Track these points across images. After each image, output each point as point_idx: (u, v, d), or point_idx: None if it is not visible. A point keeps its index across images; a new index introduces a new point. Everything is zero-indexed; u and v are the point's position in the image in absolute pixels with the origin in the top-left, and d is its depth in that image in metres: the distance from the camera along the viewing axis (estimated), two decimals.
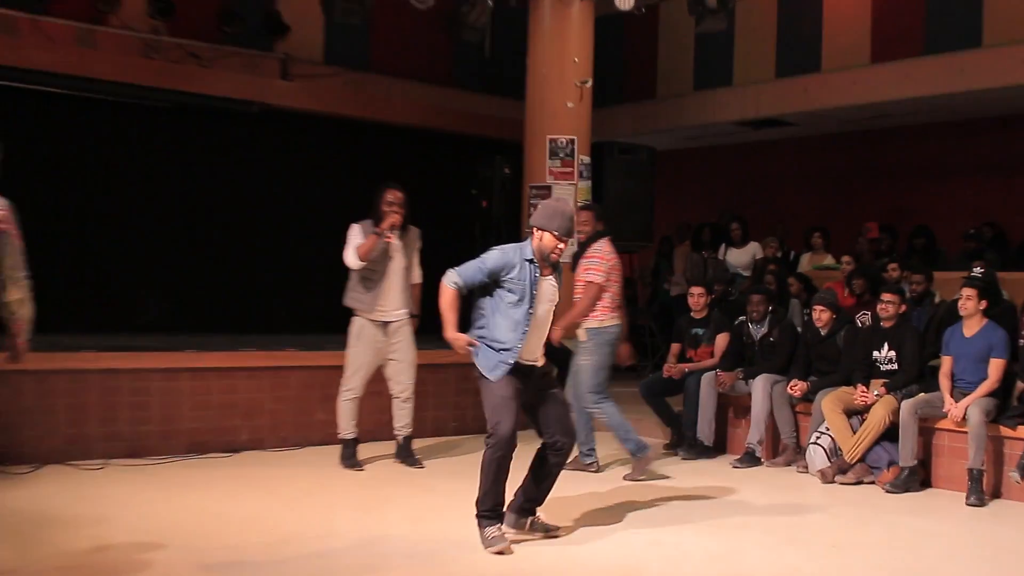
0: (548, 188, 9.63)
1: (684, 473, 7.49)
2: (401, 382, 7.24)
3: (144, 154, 10.47)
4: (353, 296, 7.05)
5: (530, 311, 5.17)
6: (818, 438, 7.40)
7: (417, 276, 7.27)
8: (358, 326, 7.06)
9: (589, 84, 9.70)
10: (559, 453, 5.35)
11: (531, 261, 5.21)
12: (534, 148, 9.78)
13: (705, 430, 8.13)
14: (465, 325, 5.27)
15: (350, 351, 7.11)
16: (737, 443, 8.26)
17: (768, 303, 8.27)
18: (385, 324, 7.09)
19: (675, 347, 8.71)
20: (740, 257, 10.85)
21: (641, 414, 9.02)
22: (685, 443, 8.18)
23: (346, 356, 7.13)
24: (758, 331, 8.25)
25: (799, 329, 8.42)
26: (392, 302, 7.07)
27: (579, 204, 7.42)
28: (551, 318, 5.36)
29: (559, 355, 8.50)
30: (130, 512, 5.72)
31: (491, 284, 5.19)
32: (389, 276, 7.02)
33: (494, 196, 10.40)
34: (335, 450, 7.41)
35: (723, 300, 9.68)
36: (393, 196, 7.02)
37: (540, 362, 5.35)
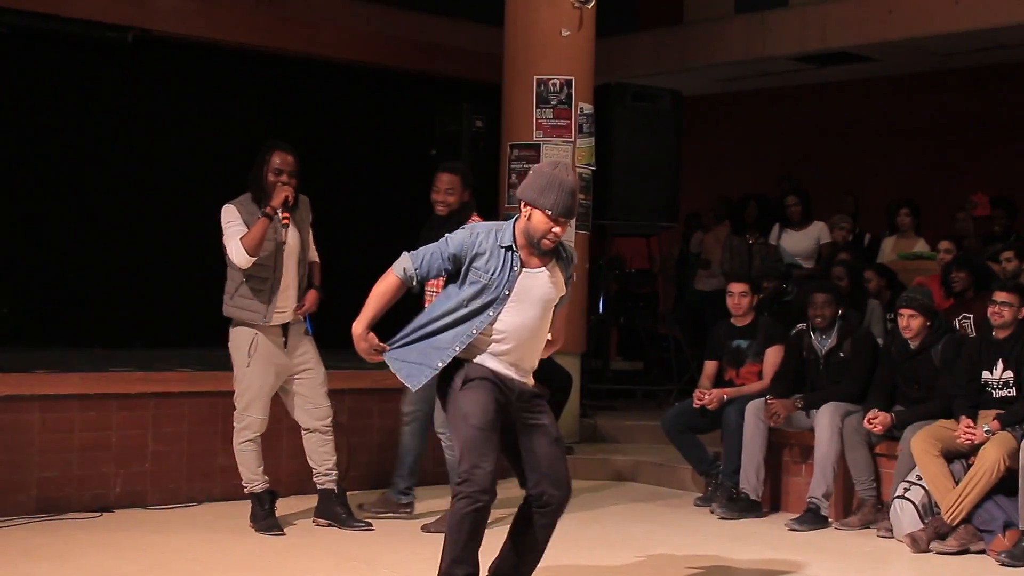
0: (536, 148, 9.72)
1: (721, 537, 7.51)
2: (319, 405, 7.32)
3: None
4: (240, 303, 7.08)
5: (491, 314, 5.23)
6: (907, 490, 7.43)
7: (314, 254, 7.42)
8: (246, 336, 7.09)
9: (592, 3, 9.76)
10: (546, 511, 5.36)
11: (509, 248, 5.26)
12: (516, 92, 9.87)
13: (751, 478, 8.19)
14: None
15: (240, 372, 7.16)
16: (795, 497, 8.34)
17: (837, 305, 8.34)
18: (285, 328, 7.16)
19: (710, 366, 8.81)
20: (799, 242, 10.93)
21: (664, 456, 9.30)
22: (723, 496, 8.26)
23: (236, 380, 7.19)
24: (824, 343, 8.31)
25: (880, 341, 8.49)
26: (291, 298, 7.16)
27: (444, 165, 7.58)
28: (546, 325, 5.40)
29: (556, 377, 8.67)
30: None
31: (454, 275, 5.30)
32: (283, 268, 7.08)
33: (461, 158, 10.22)
34: (245, 507, 7.41)
35: (775, 301, 9.73)
36: (282, 160, 7.05)
37: (528, 382, 5.39)
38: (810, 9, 12.35)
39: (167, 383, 8.06)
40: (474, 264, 5.23)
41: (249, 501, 7.30)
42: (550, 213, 5.17)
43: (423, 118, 11.07)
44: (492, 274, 5.22)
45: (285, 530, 7.22)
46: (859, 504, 7.93)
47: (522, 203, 5.25)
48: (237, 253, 6.88)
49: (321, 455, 7.32)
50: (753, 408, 8.24)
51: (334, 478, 7.34)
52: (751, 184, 12.96)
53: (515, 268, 5.24)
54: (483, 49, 11.52)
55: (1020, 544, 6.88)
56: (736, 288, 8.67)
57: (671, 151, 11.12)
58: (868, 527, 7.76)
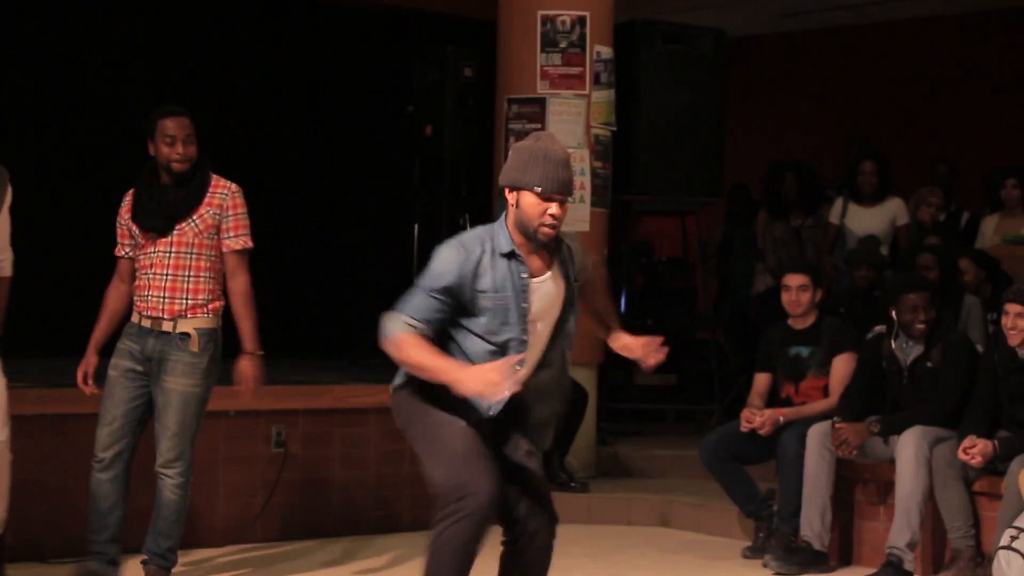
0: (540, 103, 9.87)
1: None
2: None
3: None
4: None
5: (523, 338, 5.39)
6: (1014, 539, 7.21)
7: (7, 266, 6.80)
8: None
9: None
10: (534, 538, 5.54)
11: (511, 255, 5.39)
12: (515, 33, 10.02)
13: (815, 523, 8.23)
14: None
15: None
16: (871, 547, 8.39)
17: (930, 304, 8.31)
18: None
19: (762, 379, 8.92)
20: (870, 221, 10.92)
21: (703, 494, 9.44)
22: (779, 546, 8.32)
23: None
24: (908, 351, 8.33)
25: (979, 348, 8.50)
26: None
27: (165, 109, 7.07)
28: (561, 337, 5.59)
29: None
30: None
31: (454, 313, 5.37)
32: None
33: (446, 116, 10.59)
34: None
35: (864, 297, 9.80)
36: None
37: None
38: None
39: (73, 402, 7.90)
40: (479, 288, 5.34)
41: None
42: (539, 190, 5.29)
43: (398, 65, 11.31)
44: (505, 292, 5.35)
45: None
46: (953, 556, 7.93)
47: (507, 191, 5.40)
48: None
49: None
50: (817, 433, 8.29)
51: None
52: (812, 148, 13.16)
53: (523, 277, 5.38)
54: None
55: None
56: (793, 281, 8.73)
57: (713, 107, 11.21)
58: None
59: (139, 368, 6.92)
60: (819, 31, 14.85)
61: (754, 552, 8.52)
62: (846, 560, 8.46)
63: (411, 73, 10.93)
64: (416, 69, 10.89)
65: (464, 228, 10.88)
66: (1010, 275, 9.56)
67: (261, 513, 8.52)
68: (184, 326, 6.88)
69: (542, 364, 5.49)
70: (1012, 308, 7.78)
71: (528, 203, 5.31)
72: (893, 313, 8.37)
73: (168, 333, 6.89)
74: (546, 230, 5.32)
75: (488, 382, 5.08)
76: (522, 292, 5.35)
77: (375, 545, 8.58)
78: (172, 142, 6.86)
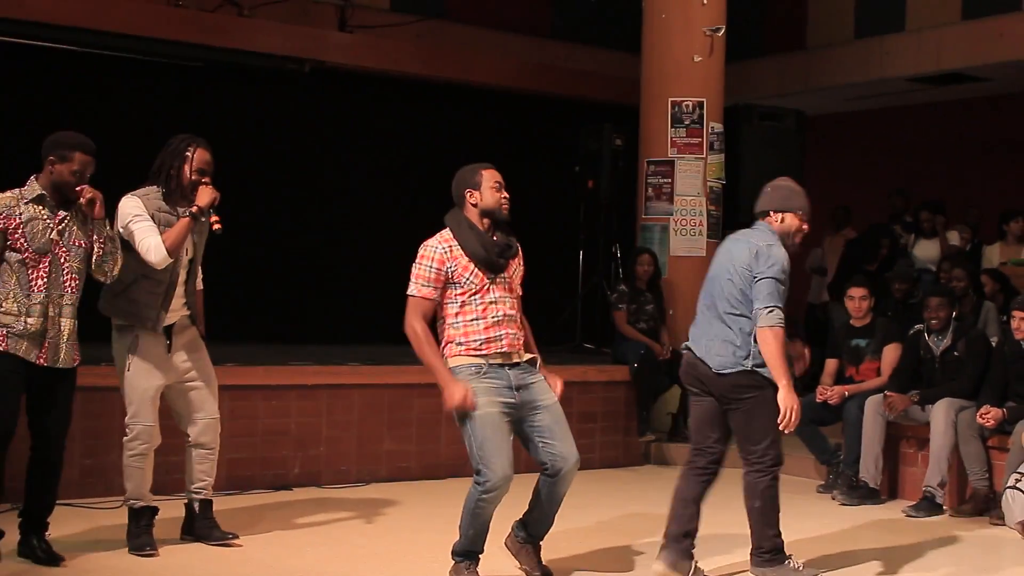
0: (671, 164, 9.87)
1: (842, 521, 7.54)
2: (205, 411, 6.25)
3: (169, 123, 10.04)
4: (129, 299, 5.98)
5: None
6: (1018, 481, 7.32)
7: (200, 281, 6.44)
8: (128, 338, 6.00)
9: (722, 32, 9.85)
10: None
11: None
12: (652, 113, 9.99)
13: (870, 468, 8.20)
14: None
15: (122, 378, 6.04)
16: (911, 485, 8.34)
17: (951, 308, 8.33)
18: (167, 329, 6.09)
19: (831, 363, 8.82)
20: (930, 249, 11.01)
21: (789, 447, 9.01)
22: (844, 484, 8.28)
23: (124, 385, 6.05)
24: (939, 343, 8.30)
25: (993, 341, 8.46)
26: (175, 300, 6.14)
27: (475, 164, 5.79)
28: None
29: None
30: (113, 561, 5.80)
31: None
32: (176, 273, 6.10)
33: (602, 173, 10.71)
34: (407, 487, 7.66)
35: (903, 303, 9.74)
36: (204, 159, 6.04)
37: None
38: (925, 33, 12.28)
39: (340, 375, 8.21)
40: None
41: (412, 482, 7.38)
42: (800, 214, 5.86)
43: (568, 137, 11.33)
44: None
45: (159, 551, 6.10)
46: (972, 493, 7.89)
47: (772, 212, 5.84)
48: (156, 252, 5.84)
49: (199, 469, 6.29)
50: (872, 403, 8.25)
51: (205, 492, 6.33)
52: (868, 195, 12.90)
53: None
54: (623, 74, 11.60)
55: None
56: (856, 293, 8.68)
57: (795, 166, 10.81)
58: (981, 515, 7.73)
59: (511, 400, 5.42)
60: (874, 111, 14.58)
61: (825, 489, 8.47)
62: (893, 495, 8.39)
63: (578, 143, 11.03)
64: (582, 140, 10.99)
65: (615, 256, 11.11)
66: (1016, 288, 9.41)
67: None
68: (525, 354, 5.61)
69: None
70: (1018, 314, 7.83)
71: (792, 221, 5.82)
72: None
73: (518, 363, 5.50)
74: (797, 239, 5.84)
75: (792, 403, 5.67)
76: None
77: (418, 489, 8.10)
78: (500, 187, 5.58)
